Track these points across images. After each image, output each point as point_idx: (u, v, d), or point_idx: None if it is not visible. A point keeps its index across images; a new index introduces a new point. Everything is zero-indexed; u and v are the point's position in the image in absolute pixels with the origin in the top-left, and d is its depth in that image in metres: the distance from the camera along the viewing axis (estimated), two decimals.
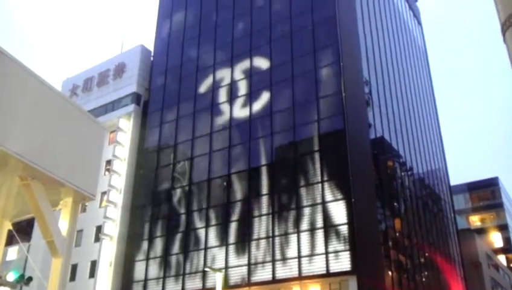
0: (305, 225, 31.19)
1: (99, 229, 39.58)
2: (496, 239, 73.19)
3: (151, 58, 46.72)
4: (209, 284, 33.26)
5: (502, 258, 69.49)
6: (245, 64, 39.22)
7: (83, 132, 12.57)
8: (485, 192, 75.23)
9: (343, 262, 28.90)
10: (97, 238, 39.75)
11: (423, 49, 58.83)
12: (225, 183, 36.19)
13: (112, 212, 39.51)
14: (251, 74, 38.50)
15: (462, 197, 72.31)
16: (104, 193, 39.91)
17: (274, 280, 30.97)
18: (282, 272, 30.85)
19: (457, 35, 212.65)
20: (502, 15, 4.79)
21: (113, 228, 39.24)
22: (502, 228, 73.09)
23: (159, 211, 39.04)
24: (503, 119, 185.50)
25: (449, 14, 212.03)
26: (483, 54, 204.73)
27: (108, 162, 41.49)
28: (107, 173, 41.45)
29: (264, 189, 34.09)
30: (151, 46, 47.21)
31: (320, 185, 31.61)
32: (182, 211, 37.64)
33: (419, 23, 60.25)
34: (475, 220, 75.55)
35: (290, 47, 37.10)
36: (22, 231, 38.61)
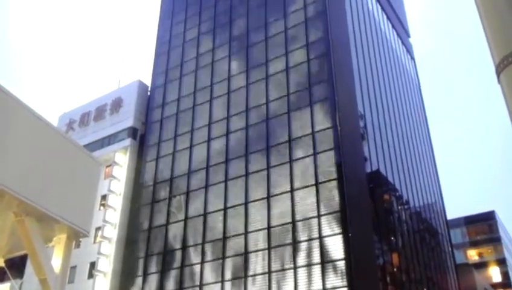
0: (301, 260, 30.83)
1: (93, 265, 38.99)
2: (494, 274, 72.45)
3: (148, 93, 47.16)
4: None
5: None
6: (241, 100, 39.58)
7: (78, 168, 12.55)
8: (482, 226, 74.92)
9: None
10: (91, 275, 39.09)
11: (417, 84, 59.67)
12: (221, 218, 35.92)
13: (106, 248, 39.01)
14: (247, 109, 38.81)
15: (459, 231, 71.95)
16: (98, 229, 39.52)
17: None
18: None
19: (450, 70, 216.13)
20: (496, 57, 4.91)
21: (107, 264, 38.65)
22: (500, 262, 72.47)
23: (154, 247, 38.57)
24: (499, 152, 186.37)
25: (442, 49, 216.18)
26: (477, 88, 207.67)
27: (104, 197, 41.24)
28: (102, 207, 41.15)
29: (261, 223, 33.83)
30: (148, 80, 47.80)
31: (316, 219, 31.42)
32: (178, 246, 37.22)
33: (412, 58, 61.31)
34: (473, 255, 74.93)
35: (286, 82, 37.56)
36: (15, 267, 37.94)
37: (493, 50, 5.33)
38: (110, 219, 40.18)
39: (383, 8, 52.99)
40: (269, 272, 31.64)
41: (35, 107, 12.13)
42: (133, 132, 44.50)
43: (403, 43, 58.12)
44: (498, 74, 5.18)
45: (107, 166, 42.54)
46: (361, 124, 37.86)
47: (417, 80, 60.37)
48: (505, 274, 71.82)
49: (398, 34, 56.83)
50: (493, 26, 5.38)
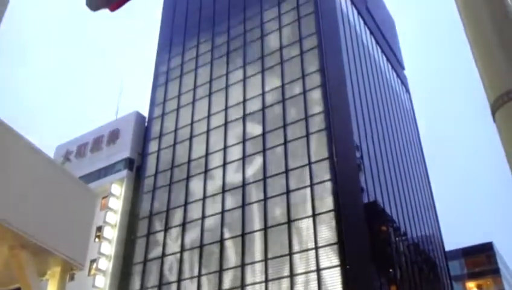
0: None
1: None
2: None
3: (145, 124, 47.35)
4: None
5: None
6: (238, 130, 39.80)
7: (74, 200, 12.50)
8: (480, 257, 74.24)
9: None
10: None
11: (412, 115, 60.15)
12: (218, 249, 35.57)
13: (100, 281, 38.43)
14: (244, 139, 38.97)
15: (457, 263, 71.21)
16: (93, 261, 39.02)
17: None
18: None
19: (446, 101, 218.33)
20: (491, 96, 4.96)
21: None
22: None
23: (149, 279, 38.02)
24: (496, 183, 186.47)
25: (436, 81, 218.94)
26: (473, 120, 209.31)
27: (99, 229, 40.89)
28: (97, 239, 40.73)
29: (258, 255, 33.49)
30: (146, 111, 48.07)
31: (314, 251, 31.16)
32: (173, 279, 36.69)
33: (407, 90, 62.00)
34: (472, 287, 74.00)
35: (282, 114, 37.86)
36: None
37: (487, 89, 5.38)
38: (105, 251, 39.72)
39: (377, 42, 53.90)
40: None
41: (32, 137, 12.17)
42: (129, 163, 44.46)
43: (397, 75, 58.87)
44: (493, 113, 5.23)
45: (103, 197, 42.32)
46: (358, 155, 37.98)
47: (412, 111, 60.90)
48: None
49: (392, 67, 57.63)
50: (486, 65, 5.45)
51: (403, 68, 63.60)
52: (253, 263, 33.33)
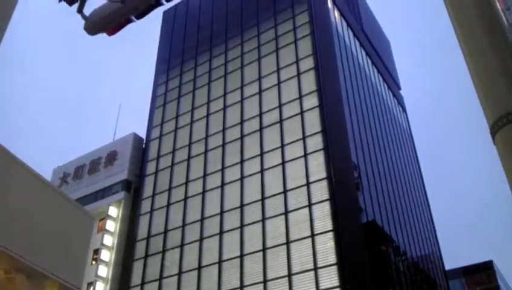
0: None
1: None
2: None
3: (143, 146, 47.38)
4: None
5: None
6: (235, 151, 39.83)
7: (70, 223, 12.46)
8: (480, 276, 73.65)
9: None
10: None
11: (409, 135, 60.34)
12: (216, 271, 35.24)
13: None
14: (242, 159, 38.98)
15: (458, 282, 70.59)
16: (90, 284, 38.59)
17: None
18: None
19: (443, 120, 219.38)
20: (490, 118, 5.01)
21: None
22: None
23: None
24: (495, 202, 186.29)
25: (433, 100, 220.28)
26: (471, 138, 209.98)
27: (96, 251, 40.55)
28: (93, 262, 40.36)
29: (257, 277, 33.18)
30: (143, 132, 48.12)
31: (313, 272, 30.90)
32: None
33: (404, 110, 62.33)
34: None
35: (280, 134, 37.98)
36: None
37: (487, 111, 5.45)
38: (102, 274, 39.32)
39: (373, 62, 54.39)
40: None
41: (27, 160, 12.17)
42: (127, 185, 44.33)
43: (394, 95, 59.25)
44: (493, 135, 5.29)
45: (100, 219, 42.08)
46: (356, 174, 37.98)
47: (409, 131, 61.13)
48: None
49: (389, 87, 58.04)
50: (486, 87, 5.53)
51: (399, 88, 64.05)
52: (252, 284, 32.99)
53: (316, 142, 35.82)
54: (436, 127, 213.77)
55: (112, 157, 46.81)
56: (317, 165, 34.89)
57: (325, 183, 33.62)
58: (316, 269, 30.88)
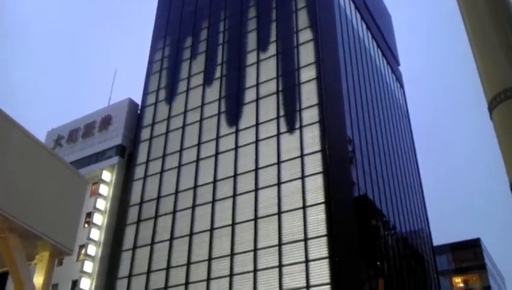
0: (287, 283, 30.58)
1: (75, 283, 38.34)
2: None
3: (138, 112, 47.12)
4: None
5: None
6: (233, 120, 39.76)
7: (64, 185, 12.46)
8: (467, 253, 74.99)
9: None
10: None
11: (405, 111, 60.35)
12: (208, 239, 35.65)
13: (88, 267, 38.42)
14: (237, 130, 38.94)
15: (445, 258, 71.89)
16: (82, 246, 39.00)
17: None
18: None
19: (438, 98, 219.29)
20: (489, 94, 5.04)
21: (89, 283, 38.02)
22: None
23: (138, 266, 38.05)
24: (486, 180, 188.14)
25: (431, 77, 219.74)
26: (465, 115, 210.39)
27: (89, 215, 40.81)
28: (86, 225, 40.67)
29: (247, 245, 33.61)
30: (139, 99, 47.78)
31: (303, 242, 31.32)
32: (162, 266, 36.75)
33: (402, 86, 62.15)
34: (458, 282, 74.81)
35: (276, 105, 37.86)
36: None
37: (485, 87, 5.46)
38: (94, 237, 39.67)
39: (373, 36, 53.89)
40: None
41: (23, 122, 12.07)
42: (121, 150, 44.29)
43: (392, 71, 58.96)
44: (490, 111, 5.30)
45: (94, 183, 42.19)
46: (350, 148, 38.11)
47: (406, 107, 61.11)
48: None
49: (388, 62, 57.70)
50: (486, 63, 5.51)
51: (398, 64, 63.71)
52: (242, 252, 33.44)
53: (312, 114, 35.76)
54: (433, 105, 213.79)
55: (106, 121, 46.59)
56: (312, 137, 34.93)
57: (319, 156, 33.73)
58: (306, 239, 31.29)
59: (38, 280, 11.67)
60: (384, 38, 58.55)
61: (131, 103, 47.21)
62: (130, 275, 37.84)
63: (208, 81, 43.77)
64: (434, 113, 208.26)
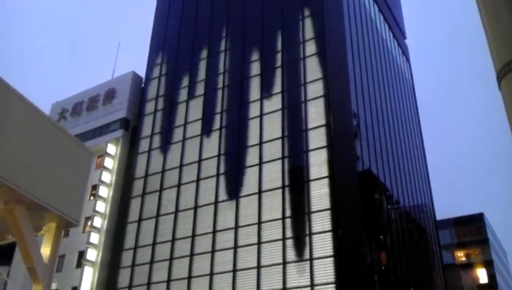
0: (291, 256, 30.95)
1: (81, 254, 38.93)
2: (481, 275, 73.04)
3: (142, 85, 46.96)
4: None
5: None
6: (236, 93, 39.58)
7: (69, 157, 12.51)
8: (470, 228, 75.44)
9: None
10: (79, 264, 39.04)
11: (411, 85, 59.86)
12: (212, 211, 35.95)
13: (94, 238, 38.95)
14: (240, 104, 38.79)
15: (447, 232, 72.42)
16: (88, 218, 39.46)
17: None
18: None
19: (444, 72, 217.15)
20: (497, 63, 4.99)
21: (96, 254, 38.61)
22: (487, 264, 73.04)
23: (144, 238, 38.53)
24: (490, 155, 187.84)
25: (437, 51, 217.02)
26: (470, 91, 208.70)
27: (94, 187, 41.14)
28: (92, 197, 41.04)
29: (252, 219, 33.89)
30: (143, 72, 47.55)
31: (306, 216, 31.54)
32: (168, 238, 37.19)
33: (408, 60, 61.48)
34: (461, 255, 75.51)
35: (281, 79, 37.59)
36: (3, 254, 37.81)
37: (494, 56, 5.39)
38: (100, 209, 40.09)
39: (380, 9, 53.05)
40: (258, 267, 31.73)
41: (28, 95, 12.05)
42: (125, 123, 44.33)
43: (398, 44, 58.25)
44: (499, 80, 5.25)
45: (99, 156, 42.41)
46: (354, 122, 37.98)
47: (411, 81, 60.58)
48: (491, 276, 72.41)
49: (394, 35, 56.95)
50: (495, 33, 5.44)
51: (405, 37, 62.88)
52: (246, 225, 33.76)
53: (316, 88, 35.53)
54: (439, 79, 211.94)
55: (110, 95, 46.51)
56: (317, 112, 34.78)
57: (323, 130, 33.65)
58: (309, 213, 31.49)
59: (45, 250, 11.83)
60: (390, 11, 57.65)
61: (135, 76, 47.02)
62: (135, 247, 38.35)
63: (212, 54, 43.36)
64: (440, 87, 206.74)
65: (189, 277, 34.39)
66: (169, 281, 35.14)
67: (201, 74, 42.93)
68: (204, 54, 43.88)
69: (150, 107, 44.89)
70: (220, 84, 41.05)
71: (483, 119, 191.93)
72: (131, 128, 44.63)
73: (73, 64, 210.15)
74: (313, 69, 36.56)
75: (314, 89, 35.58)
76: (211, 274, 33.52)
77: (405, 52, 60.57)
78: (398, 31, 59.40)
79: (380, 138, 42.18)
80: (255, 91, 38.68)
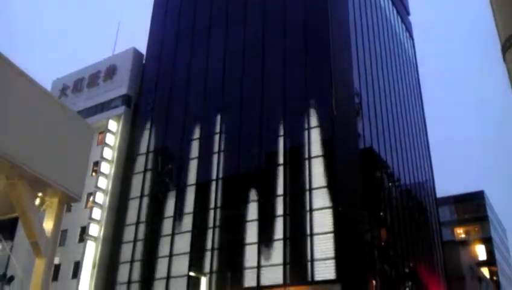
0: (291, 231, 31.22)
1: (83, 230, 39.28)
2: (480, 252, 73.78)
3: (143, 62, 46.64)
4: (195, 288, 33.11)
5: (485, 271, 70.04)
6: (237, 68, 39.28)
7: (71, 132, 12.51)
8: (470, 205, 75.89)
9: (328, 270, 28.95)
10: (81, 239, 39.43)
11: (414, 63, 59.42)
12: (214, 188, 36.13)
13: (97, 214, 39.24)
14: (242, 80, 38.57)
15: (447, 209, 72.88)
16: (90, 194, 39.67)
17: (259, 287, 30.92)
18: (267, 278, 30.81)
19: (447, 48, 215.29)
20: (503, 35, 4.95)
21: (98, 230, 38.96)
22: (486, 241, 73.73)
23: (145, 215, 38.82)
24: (493, 133, 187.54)
25: (440, 26, 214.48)
26: (472, 68, 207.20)
27: (96, 164, 41.24)
28: (93, 174, 41.20)
29: (252, 195, 34.08)
30: (144, 48, 47.16)
31: (307, 192, 31.68)
32: (169, 214, 37.45)
33: (411, 36, 60.89)
34: (460, 232, 76.17)
35: (283, 55, 37.27)
36: (5, 229, 38.12)
37: (500, 29, 5.35)
38: (102, 185, 40.28)
39: None
40: (258, 242, 32.03)
41: (29, 72, 11.98)
42: (127, 100, 44.19)
43: (402, 20, 57.60)
44: (504, 52, 5.22)
45: (100, 133, 42.38)
46: (356, 100, 37.83)
47: (414, 59, 60.12)
48: (490, 253, 73.17)
49: (397, 12, 56.28)
50: (501, 6, 5.38)
51: (408, 13, 62.16)
52: (247, 201, 33.94)
53: (318, 64, 35.24)
54: (442, 57, 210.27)
55: (111, 71, 46.24)
56: (319, 88, 34.59)
57: (324, 106, 33.51)
58: (310, 189, 31.62)
59: (47, 225, 11.92)
60: None
61: (136, 53, 46.65)
62: (137, 223, 38.62)
63: (212, 31, 42.91)
64: (443, 63, 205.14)
65: (191, 250, 34.74)
66: (171, 255, 35.50)
67: (203, 50, 42.54)
68: (206, 32, 43.41)
69: (151, 83, 44.67)
70: (221, 64, 40.67)
71: (486, 97, 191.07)
72: (132, 105, 44.51)
73: (72, 39, 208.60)
74: (315, 46, 36.21)
75: (316, 66, 35.28)
76: (215, 249, 33.84)
77: (408, 29, 59.95)
78: (401, 7, 58.70)
79: (382, 115, 42.07)
80: (256, 65, 38.33)
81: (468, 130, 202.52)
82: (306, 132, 33.57)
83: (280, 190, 32.92)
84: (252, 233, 32.69)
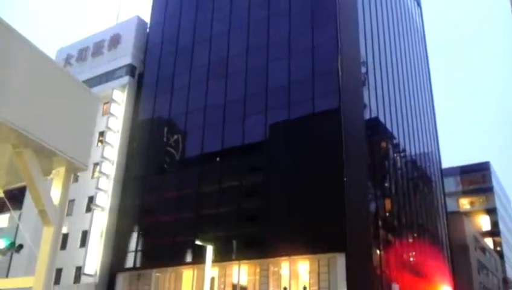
0: (296, 201, 31.36)
1: (91, 199, 39.63)
2: (484, 222, 74.23)
3: (147, 30, 46.12)
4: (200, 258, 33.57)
5: (489, 241, 70.59)
6: (242, 36, 38.74)
7: (76, 102, 12.40)
8: (476, 176, 75.90)
9: (332, 240, 29.16)
10: (89, 209, 39.84)
11: (421, 33, 58.45)
12: (218, 159, 36.21)
13: (103, 184, 39.52)
14: (247, 48, 38.10)
15: (452, 180, 72.94)
16: (96, 164, 39.87)
17: (264, 256, 31.27)
18: (273, 248, 31.09)
19: (455, 19, 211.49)
20: None
21: (105, 199, 39.32)
22: (491, 211, 74.06)
23: (151, 184, 39.08)
24: (498, 106, 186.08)
25: None
26: (480, 39, 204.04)
27: (102, 134, 41.31)
28: (99, 144, 41.31)
29: (257, 165, 34.15)
30: (147, 17, 46.58)
31: (313, 162, 31.67)
32: (174, 183, 37.67)
33: (419, 4, 59.75)
34: (465, 203, 76.44)
35: (288, 23, 36.70)
36: (14, 199, 38.56)
37: None
38: (108, 156, 40.42)
39: None
40: (262, 213, 32.23)
41: (33, 40, 11.81)
42: (131, 70, 43.91)
43: None
44: None
45: (105, 103, 42.27)
46: (363, 70, 37.40)
47: (422, 28, 59.10)
48: (494, 223, 73.58)
49: None
50: None
51: None
52: (252, 171, 34.09)
53: (324, 33, 34.70)
54: (451, 24, 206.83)
55: (115, 40, 45.80)
56: (325, 58, 34.14)
57: (331, 77, 33.16)
58: (315, 159, 31.59)
59: (55, 193, 11.95)
60: None
61: (140, 21, 46.09)
62: (143, 192, 38.91)
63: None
64: (451, 33, 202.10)
65: (196, 221, 35.08)
66: (176, 225, 35.89)
67: (208, 16, 41.91)
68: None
69: (155, 52, 44.25)
70: (227, 28, 40.10)
71: (493, 67, 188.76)
72: (137, 75, 44.24)
73: (76, 8, 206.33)
74: (321, 13, 35.59)
75: (323, 34, 34.74)
76: (220, 217, 34.12)
77: None
78: None
79: (388, 86, 41.66)
80: (261, 37, 37.80)
81: (475, 101, 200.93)
82: (311, 102, 33.30)
83: (285, 161, 32.90)
84: (261, 203, 32.86)
